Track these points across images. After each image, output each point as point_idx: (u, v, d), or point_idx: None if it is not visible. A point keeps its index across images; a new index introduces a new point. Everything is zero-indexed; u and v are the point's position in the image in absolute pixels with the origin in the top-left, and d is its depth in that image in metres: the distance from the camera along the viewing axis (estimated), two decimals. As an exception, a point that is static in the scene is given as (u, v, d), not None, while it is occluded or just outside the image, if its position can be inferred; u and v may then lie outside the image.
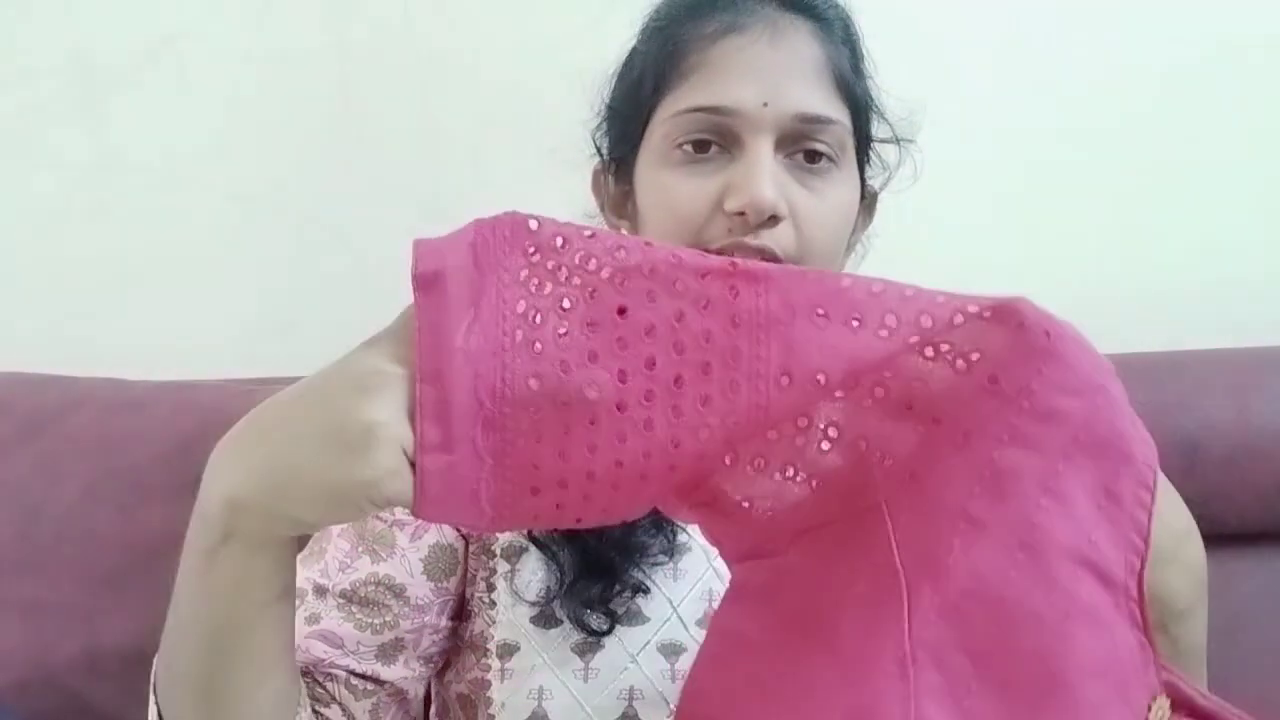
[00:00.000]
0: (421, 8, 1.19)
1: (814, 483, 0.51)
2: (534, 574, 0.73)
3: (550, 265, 0.48)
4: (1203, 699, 0.53)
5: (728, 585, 0.56)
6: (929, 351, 0.49)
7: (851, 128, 0.72)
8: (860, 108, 0.74)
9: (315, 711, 0.67)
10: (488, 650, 0.72)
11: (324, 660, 0.70)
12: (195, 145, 1.21)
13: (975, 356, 0.49)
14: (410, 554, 0.73)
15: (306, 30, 1.20)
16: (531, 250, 0.49)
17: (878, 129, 0.78)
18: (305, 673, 0.68)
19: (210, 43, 1.20)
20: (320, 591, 0.72)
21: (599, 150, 0.80)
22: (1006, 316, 0.49)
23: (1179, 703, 0.53)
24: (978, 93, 1.20)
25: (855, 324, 0.49)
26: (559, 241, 0.49)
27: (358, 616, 0.71)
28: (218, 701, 0.56)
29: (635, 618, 0.71)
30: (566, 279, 0.48)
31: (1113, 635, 0.50)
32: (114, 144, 1.22)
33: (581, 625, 0.70)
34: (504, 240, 0.49)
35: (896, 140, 0.79)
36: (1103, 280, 1.22)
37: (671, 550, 0.73)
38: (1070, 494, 0.50)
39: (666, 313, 0.48)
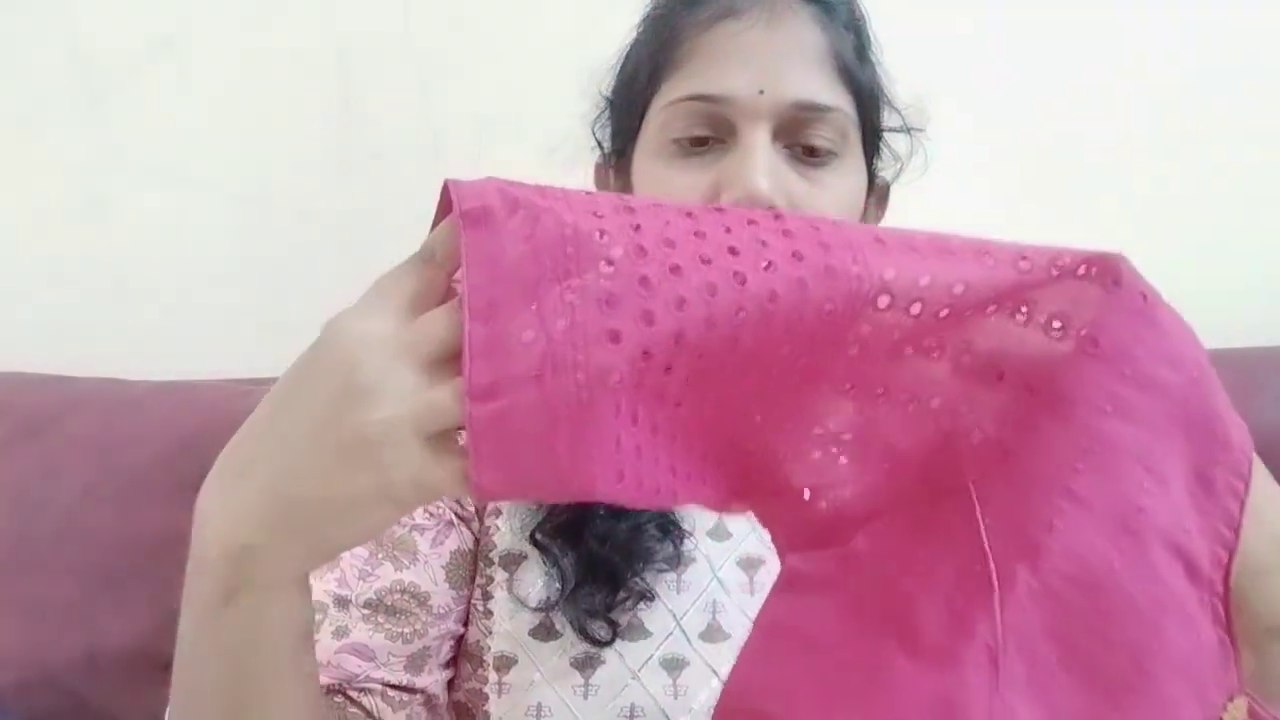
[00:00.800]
0: (421, 8, 1.19)
1: (887, 465, 0.47)
2: (533, 583, 0.70)
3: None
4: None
5: (778, 576, 0.50)
6: (1021, 311, 0.45)
7: (855, 116, 0.69)
8: (865, 95, 0.70)
9: None
10: (484, 661, 0.70)
11: (358, 675, 0.66)
12: (195, 145, 1.21)
13: (1072, 317, 0.45)
14: (434, 560, 0.70)
15: (306, 30, 1.20)
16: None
17: (887, 118, 0.74)
18: (337, 690, 0.65)
19: (210, 42, 1.20)
20: (342, 603, 0.68)
21: (599, 144, 0.78)
22: (1104, 274, 0.45)
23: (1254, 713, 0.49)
24: (978, 93, 1.20)
25: (952, 255, 0.45)
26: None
27: (386, 627, 0.68)
28: None
29: (637, 631, 0.68)
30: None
31: (1198, 631, 0.47)
32: (114, 144, 1.22)
33: (583, 633, 0.67)
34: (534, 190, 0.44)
35: (906, 129, 0.76)
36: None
37: (676, 559, 0.70)
38: (1169, 475, 0.46)
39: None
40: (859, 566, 0.48)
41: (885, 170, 0.77)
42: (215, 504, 0.45)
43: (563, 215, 0.42)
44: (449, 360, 0.41)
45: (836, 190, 0.67)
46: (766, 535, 0.67)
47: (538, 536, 0.70)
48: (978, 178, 1.21)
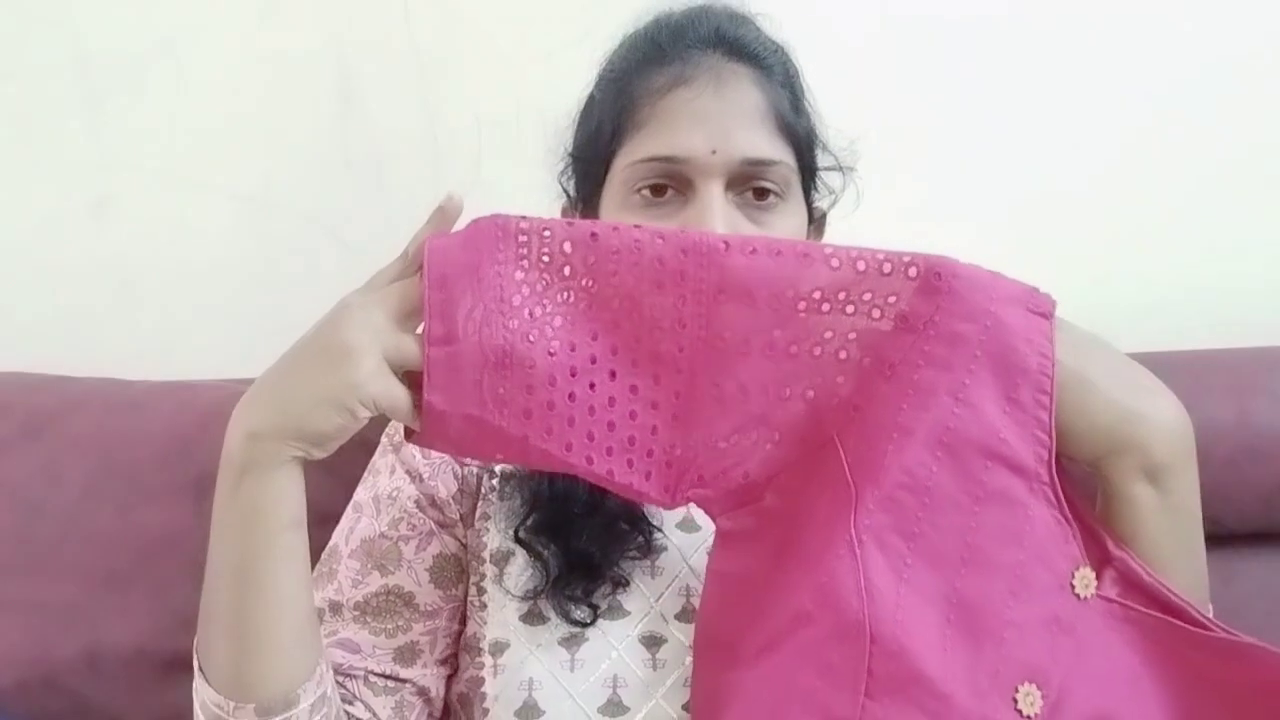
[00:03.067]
0: (421, 8, 1.19)
1: (776, 436, 0.65)
2: (520, 575, 0.78)
3: (536, 252, 0.63)
4: (1148, 576, 0.64)
5: (714, 535, 0.68)
6: (850, 308, 0.63)
7: (795, 164, 0.79)
8: (802, 144, 0.80)
9: (346, 713, 0.74)
10: (481, 650, 0.77)
11: (343, 664, 0.77)
12: (195, 145, 1.21)
13: (891, 300, 0.62)
14: (416, 564, 0.80)
15: (306, 30, 1.20)
16: (523, 240, 0.64)
17: (822, 158, 0.85)
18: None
19: (210, 43, 1.20)
20: (335, 608, 0.79)
21: (565, 191, 0.86)
22: (908, 268, 0.62)
23: (1125, 577, 0.64)
24: (978, 90, 1.20)
25: (809, 261, 0.63)
26: (545, 232, 0.64)
27: (372, 624, 0.78)
28: (243, 635, 0.65)
29: (617, 612, 0.76)
30: (549, 263, 0.64)
31: (1027, 512, 0.63)
32: (114, 144, 1.22)
33: (567, 618, 0.75)
34: (498, 233, 0.64)
35: (839, 168, 0.86)
36: (1103, 281, 1.22)
37: (647, 547, 0.79)
38: (978, 401, 0.62)
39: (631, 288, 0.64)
40: (770, 516, 0.66)
41: (821, 200, 0.87)
42: (238, 412, 0.65)
43: (497, 223, 0.63)
44: (412, 315, 0.63)
45: (780, 229, 0.77)
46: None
47: (521, 535, 0.78)
48: (971, 183, 1.21)
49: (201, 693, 0.68)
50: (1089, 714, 0.62)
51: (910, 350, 0.62)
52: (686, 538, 0.81)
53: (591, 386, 0.64)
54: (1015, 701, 0.60)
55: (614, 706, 0.72)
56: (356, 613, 0.78)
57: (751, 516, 0.66)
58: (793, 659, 0.61)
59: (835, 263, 0.62)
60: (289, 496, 0.65)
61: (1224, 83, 1.20)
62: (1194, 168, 1.21)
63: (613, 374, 0.64)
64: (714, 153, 0.75)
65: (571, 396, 0.63)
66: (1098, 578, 0.64)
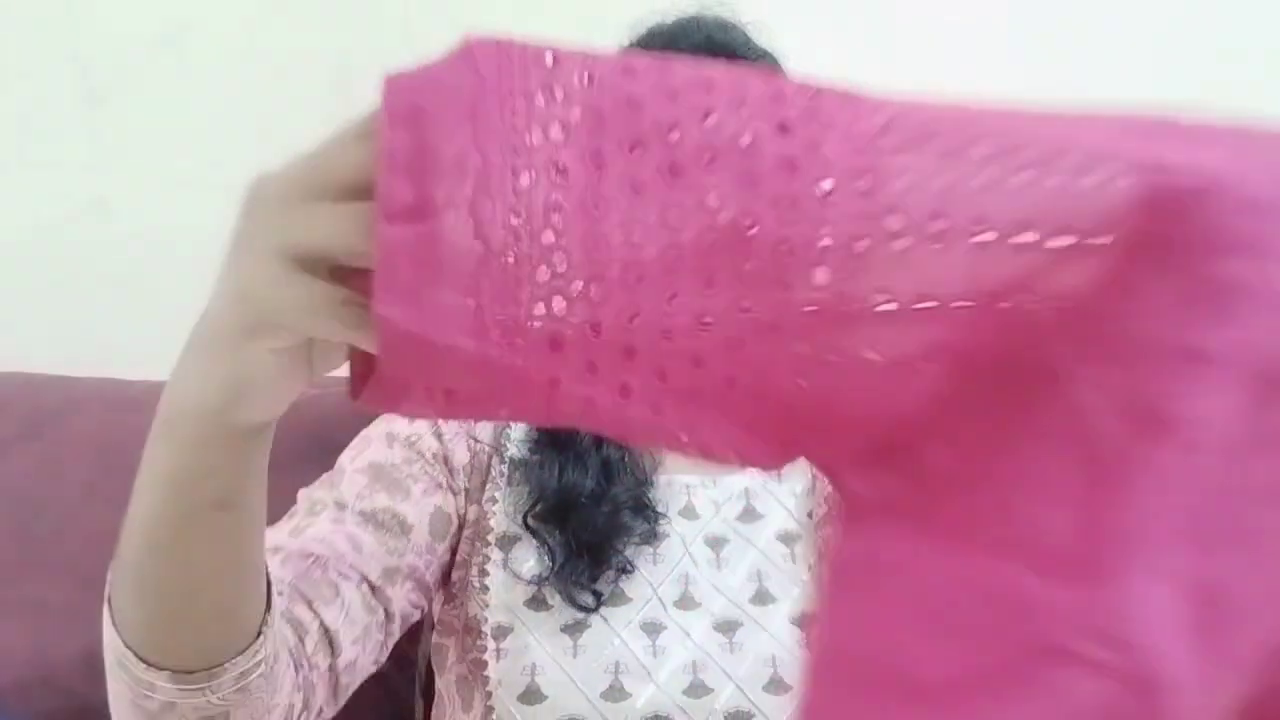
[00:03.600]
0: (421, 8, 1.19)
1: (949, 348, 0.37)
2: (526, 559, 0.79)
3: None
4: None
5: (839, 509, 0.41)
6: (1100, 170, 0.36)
7: None
8: None
9: (313, 611, 0.69)
10: (483, 633, 0.77)
11: (345, 556, 0.73)
12: (195, 145, 1.21)
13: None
14: (421, 504, 0.78)
15: (306, 30, 1.20)
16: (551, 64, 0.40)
17: None
18: (319, 563, 0.71)
19: (210, 43, 1.20)
20: (340, 506, 0.76)
21: None
22: (1113, 180, 0.36)
23: None
24: (972, 87, 1.20)
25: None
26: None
27: (375, 534, 0.76)
28: (151, 593, 0.58)
29: (619, 599, 0.77)
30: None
31: None
32: (114, 144, 1.22)
33: (571, 602, 0.75)
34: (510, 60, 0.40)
35: None
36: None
37: (652, 534, 0.80)
38: None
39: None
40: (939, 479, 0.39)
41: None
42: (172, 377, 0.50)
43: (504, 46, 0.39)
44: (348, 188, 0.39)
45: None
46: (729, 515, 0.82)
47: (529, 521, 0.79)
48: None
49: (110, 640, 0.63)
50: None
51: (1207, 221, 0.35)
52: (687, 525, 0.82)
53: (672, 298, 0.36)
54: None
55: (615, 692, 0.74)
56: (360, 518, 0.76)
57: (904, 478, 0.39)
58: (1037, 713, 0.35)
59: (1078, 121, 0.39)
60: (214, 474, 0.51)
61: (1225, 80, 1.20)
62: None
63: (708, 280, 0.36)
64: None
65: (633, 318, 0.36)
66: None
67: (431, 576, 0.79)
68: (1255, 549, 0.37)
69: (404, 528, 0.77)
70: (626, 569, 0.78)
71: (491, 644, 0.77)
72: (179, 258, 1.24)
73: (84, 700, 1.00)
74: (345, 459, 0.81)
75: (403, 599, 0.77)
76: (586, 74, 0.39)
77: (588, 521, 0.78)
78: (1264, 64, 1.20)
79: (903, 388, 0.37)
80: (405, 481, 0.79)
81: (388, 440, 0.81)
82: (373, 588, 0.74)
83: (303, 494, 0.78)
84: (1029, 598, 0.36)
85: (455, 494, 0.82)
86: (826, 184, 0.36)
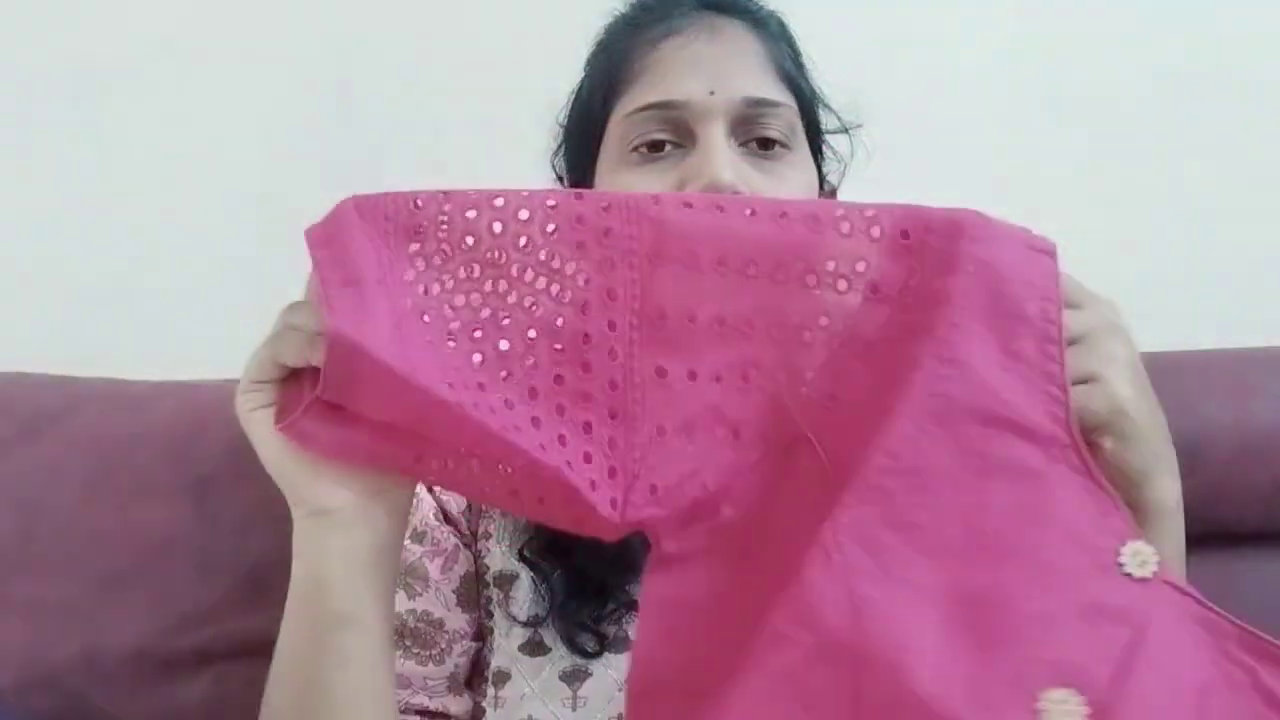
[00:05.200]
0: (421, 8, 1.19)
1: (736, 433, 0.54)
2: (525, 599, 0.73)
3: (434, 244, 0.54)
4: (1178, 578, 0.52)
5: (651, 560, 0.55)
6: (810, 279, 0.53)
7: (799, 113, 0.73)
8: (806, 98, 0.75)
9: None
10: (485, 677, 0.74)
11: (398, 701, 0.70)
12: (195, 145, 1.21)
13: (859, 268, 0.53)
14: (444, 586, 0.75)
15: (306, 30, 1.20)
16: (415, 208, 0.54)
17: (826, 121, 0.78)
18: None
19: (210, 42, 1.20)
20: None
21: (559, 177, 0.81)
22: (870, 226, 0.53)
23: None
24: (977, 91, 1.20)
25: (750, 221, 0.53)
26: (444, 205, 0.54)
27: (415, 651, 0.73)
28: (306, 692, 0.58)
29: (623, 644, 0.71)
30: (447, 233, 0.54)
31: (1046, 483, 0.51)
32: (114, 144, 1.22)
33: (572, 646, 0.70)
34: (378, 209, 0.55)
35: (844, 129, 0.80)
36: (1103, 281, 1.22)
37: None
38: (967, 359, 0.51)
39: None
40: (726, 532, 0.54)
41: (831, 175, 0.81)
42: None
43: (370, 202, 0.55)
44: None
45: (793, 180, 0.71)
46: None
47: (526, 554, 0.73)
48: (969, 181, 1.21)
49: None
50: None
51: (887, 325, 0.52)
52: None
53: (507, 377, 0.53)
54: (1038, 713, 0.47)
55: None
56: (395, 637, 0.71)
57: (704, 536, 0.54)
58: (766, 689, 0.50)
59: (785, 219, 0.52)
60: (334, 585, 0.57)
61: (1224, 82, 1.20)
62: (1194, 167, 1.21)
63: (532, 364, 0.53)
64: (712, 93, 0.68)
65: (482, 387, 0.52)
66: None
67: (474, 654, 0.77)
68: (998, 553, 0.50)
69: (436, 625, 0.74)
70: (632, 606, 0.71)
71: (491, 690, 0.73)
72: (179, 258, 1.24)
73: (84, 700, 1.00)
74: None
75: (463, 704, 0.75)
76: (470, 210, 0.54)
77: (592, 554, 0.70)
78: (1264, 62, 1.20)
79: (716, 462, 0.53)
80: (421, 563, 0.75)
81: None
82: (433, 714, 0.73)
83: None
84: (771, 608, 0.50)
85: (470, 546, 0.77)
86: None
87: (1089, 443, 0.52)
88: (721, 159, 0.67)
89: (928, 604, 0.50)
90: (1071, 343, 0.53)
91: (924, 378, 0.51)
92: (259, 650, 0.96)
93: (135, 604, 1.01)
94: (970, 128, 1.20)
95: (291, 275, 1.25)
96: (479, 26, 1.19)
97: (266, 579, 0.99)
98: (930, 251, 0.52)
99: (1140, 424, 0.54)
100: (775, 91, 0.71)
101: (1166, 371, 1.08)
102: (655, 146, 0.70)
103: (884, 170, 0.82)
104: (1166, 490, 0.57)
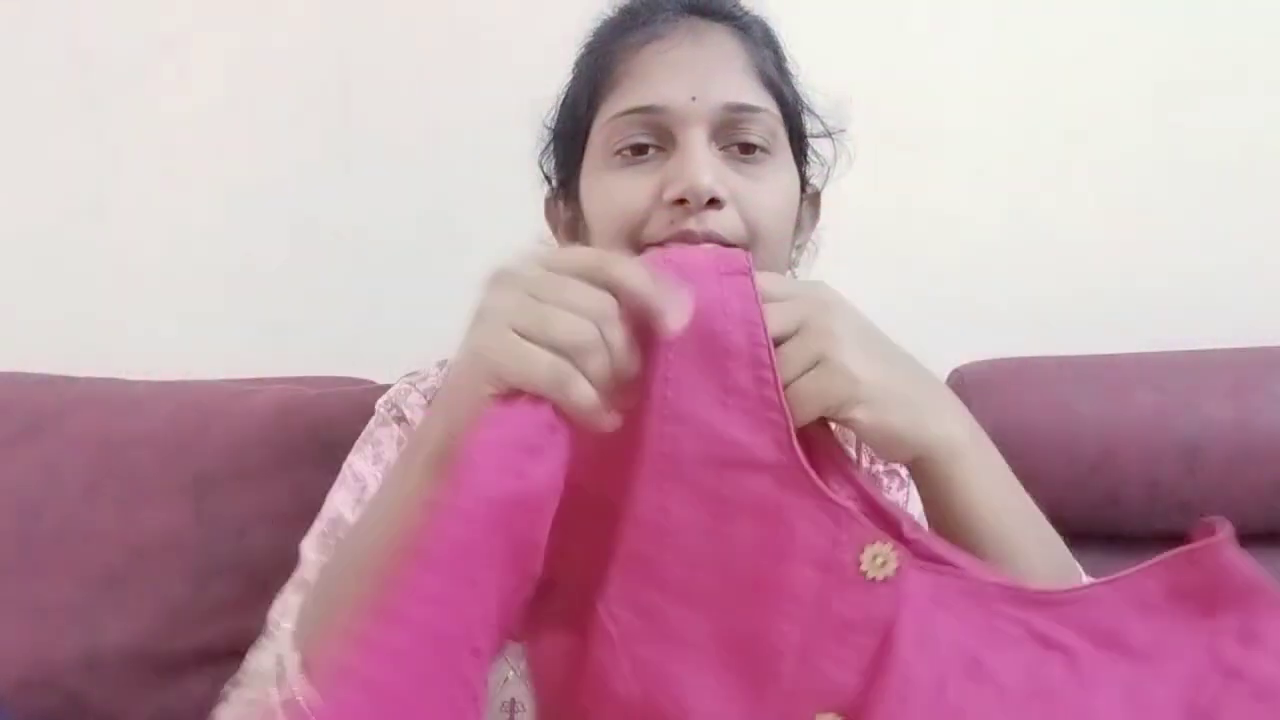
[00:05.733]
0: (421, 8, 1.19)
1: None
2: None
3: None
4: (947, 549, 0.53)
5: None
6: None
7: (782, 119, 0.74)
8: (788, 103, 0.75)
9: None
10: None
11: None
12: (195, 145, 1.21)
13: None
14: None
15: (306, 30, 1.20)
16: None
17: (810, 125, 0.79)
18: None
19: (210, 42, 1.20)
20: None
21: (547, 178, 0.82)
22: None
23: (923, 554, 0.52)
24: (978, 94, 1.20)
25: None
26: None
27: None
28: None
29: None
30: None
31: (782, 513, 0.52)
32: (114, 144, 1.22)
33: None
34: None
35: (828, 133, 0.80)
36: (1103, 280, 1.22)
37: None
38: (690, 412, 0.52)
39: None
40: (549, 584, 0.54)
41: (815, 178, 0.81)
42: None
43: None
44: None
45: (772, 184, 0.71)
46: None
47: None
48: (975, 183, 1.21)
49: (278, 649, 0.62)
50: (925, 706, 0.51)
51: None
52: None
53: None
54: None
55: None
56: None
57: (556, 598, 0.56)
58: None
59: None
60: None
61: (1225, 84, 1.20)
62: (1195, 169, 1.21)
63: None
64: (694, 99, 0.69)
65: None
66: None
67: None
68: (752, 593, 0.52)
69: None
70: None
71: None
72: (179, 258, 1.24)
73: (83, 700, 1.00)
74: (348, 496, 0.77)
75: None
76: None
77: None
78: (1265, 64, 1.20)
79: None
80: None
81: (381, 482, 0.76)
82: None
83: (306, 553, 0.76)
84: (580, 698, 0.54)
85: None
86: None
87: (844, 421, 0.53)
88: (701, 163, 0.68)
89: (700, 654, 0.52)
90: (787, 338, 0.53)
91: (653, 442, 0.52)
92: (259, 650, 0.97)
93: (135, 604, 1.01)
94: (974, 126, 1.20)
95: (292, 275, 1.26)
96: (479, 27, 1.19)
97: (266, 579, 0.99)
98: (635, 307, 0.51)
99: (883, 384, 0.54)
100: (757, 97, 0.72)
101: (1167, 371, 1.10)
102: (638, 149, 0.71)
103: (892, 176, 0.82)
104: (949, 429, 0.56)
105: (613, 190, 0.70)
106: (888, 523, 0.53)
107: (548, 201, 0.82)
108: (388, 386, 0.83)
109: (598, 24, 0.78)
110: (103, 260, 1.23)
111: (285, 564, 0.85)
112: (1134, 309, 1.22)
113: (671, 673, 0.52)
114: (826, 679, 0.51)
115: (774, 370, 0.52)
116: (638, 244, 0.68)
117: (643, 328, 0.50)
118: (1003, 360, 1.12)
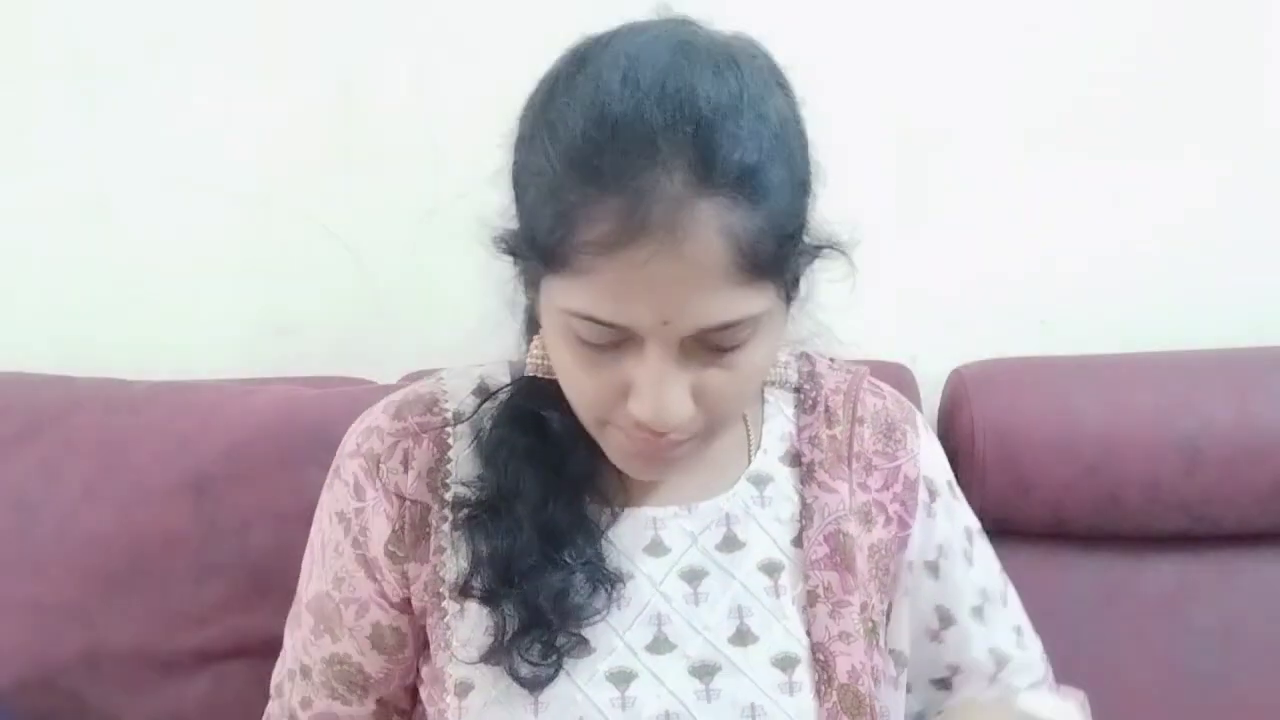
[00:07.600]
0: (422, 8, 1.19)
1: None
2: (480, 612, 0.73)
3: None
4: None
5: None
6: None
7: (774, 296, 0.64)
8: (788, 265, 0.65)
9: None
10: (447, 688, 0.74)
11: None
12: (195, 145, 1.21)
13: None
14: (357, 632, 0.78)
15: (307, 30, 1.20)
16: None
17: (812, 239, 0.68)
18: None
19: (210, 42, 1.20)
20: (306, 672, 0.80)
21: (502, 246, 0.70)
22: None
23: None
24: (975, 93, 1.20)
25: None
26: None
27: (341, 693, 0.79)
28: None
29: (582, 649, 0.71)
30: None
31: None
32: (114, 144, 1.21)
33: (529, 673, 0.70)
34: None
35: (841, 250, 0.70)
36: (1103, 280, 1.22)
37: (610, 596, 0.72)
38: None
39: None
40: None
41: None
42: None
43: None
44: None
45: (749, 365, 0.66)
46: (708, 544, 0.76)
47: (474, 588, 0.72)
48: (973, 183, 1.21)
49: None
50: None
51: None
52: (655, 562, 0.74)
53: None
54: None
55: None
56: (323, 679, 0.79)
57: None
58: None
59: None
60: None
61: (1225, 86, 1.20)
62: (1195, 170, 1.21)
63: None
64: (666, 324, 0.61)
65: None
66: None
67: (409, 680, 0.81)
68: None
69: (358, 669, 0.79)
70: (583, 640, 0.71)
71: (455, 701, 0.73)
72: (179, 258, 1.24)
73: (83, 700, 1.00)
74: (306, 559, 0.81)
75: (392, 691, 0.80)
76: None
77: (530, 597, 0.70)
78: (1264, 66, 1.20)
79: None
80: (338, 610, 0.77)
81: (322, 552, 0.79)
82: None
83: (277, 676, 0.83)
84: None
85: (382, 598, 0.76)
86: None
87: None
88: (668, 393, 0.63)
89: None
90: None
91: None
92: (259, 650, 0.97)
93: (135, 604, 1.01)
94: (970, 126, 1.20)
95: (292, 275, 1.26)
96: (479, 27, 1.19)
97: (266, 579, 0.99)
98: None
99: None
100: (741, 305, 0.62)
101: (1166, 371, 1.10)
102: (600, 346, 0.64)
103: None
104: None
105: (575, 378, 0.66)
106: None
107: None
108: (388, 386, 0.83)
109: (573, 126, 0.63)
110: (103, 260, 1.23)
111: (285, 564, 0.85)
112: (1135, 309, 1.22)
113: None
114: None
115: None
116: (605, 423, 0.67)
117: None
118: (1003, 360, 1.12)
